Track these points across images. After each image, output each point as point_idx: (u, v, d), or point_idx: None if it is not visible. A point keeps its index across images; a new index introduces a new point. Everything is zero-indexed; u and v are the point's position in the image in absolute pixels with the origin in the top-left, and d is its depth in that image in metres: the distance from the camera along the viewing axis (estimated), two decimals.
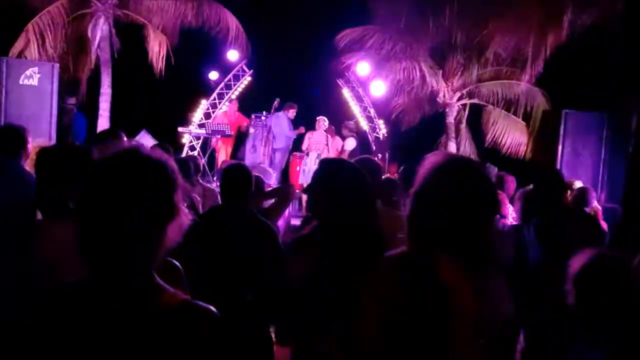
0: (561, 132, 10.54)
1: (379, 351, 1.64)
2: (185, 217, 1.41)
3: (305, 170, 11.27)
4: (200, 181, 6.12)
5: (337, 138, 12.07)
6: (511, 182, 6.72)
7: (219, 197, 5.72)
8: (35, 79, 8.29)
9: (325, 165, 2.76)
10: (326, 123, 11.84)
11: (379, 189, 3.65)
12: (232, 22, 12.43)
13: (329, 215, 2.57)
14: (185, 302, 1.38)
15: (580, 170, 10.11)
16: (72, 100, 9.40)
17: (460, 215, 1.66)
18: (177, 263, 2.01)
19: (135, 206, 1.31)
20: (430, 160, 1.75)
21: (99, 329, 1.30)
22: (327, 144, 11.56)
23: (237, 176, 3.59)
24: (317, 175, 2.68)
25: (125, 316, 1.31)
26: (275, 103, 11.91)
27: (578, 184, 6.91)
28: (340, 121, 12.69)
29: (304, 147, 11.82)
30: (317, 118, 11.81)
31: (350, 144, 12.05)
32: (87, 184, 1.34)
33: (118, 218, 1.30)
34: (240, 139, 12.95)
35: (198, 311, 1.39)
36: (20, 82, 8.18)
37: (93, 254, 1.32)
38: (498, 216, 5.08)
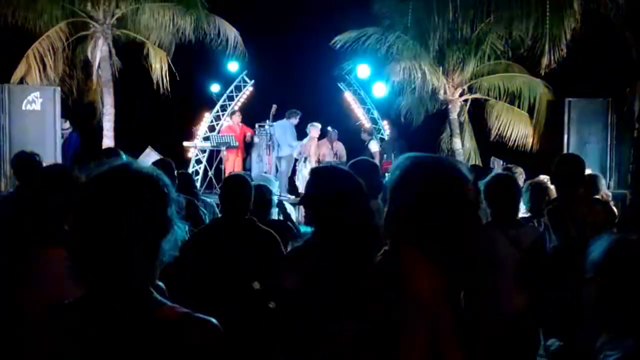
0: (566, 120, 10.51)
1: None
2: (181, 230, 1.41)
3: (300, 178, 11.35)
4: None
5: (322, 142, 12.04)
6: (519, 175, 6.69)
7: (217, 209, 5.77)
8: (38, 103, 8.38)
9: (316, 174, 2.75)
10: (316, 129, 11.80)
11: (378, 188, 3.65)
12: (231, 34, 12.47)
13: (325, 224, 2.56)
14: (186, 314, 1.38)
15: (588, 158, 9.98)
16: (65, 125, 9.42)
17: (425, 214, 1.66)
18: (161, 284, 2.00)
19: (128, 222, 1.30)
20: (401, 162, 1.77)
21: (98, 347, 1.30)
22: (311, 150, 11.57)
23: (235, 187, 3.64)
24: (309, 185, 2.68)
25: (124, 333, 1.31)
26: (273, 110, 11.98)
27: (587, 172, 6.86)
28: (344, 125, 12.72)
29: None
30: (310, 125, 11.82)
31: (374, 146, 12.19)
32: (78, 203, 1.34)
33: (110, 235, 1.29)
34: (247, 149, 13.00)
35: (199, 323, 1.38)
36: (23, 108, 8.27)
37: (88, 272, 1.32)
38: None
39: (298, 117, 11.92)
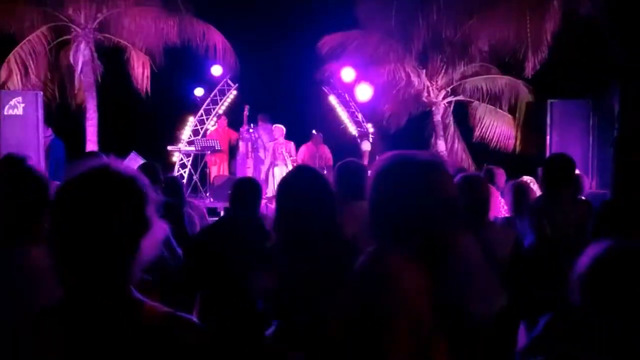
0: (548, 122, 10.61)
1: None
2: (160, 229, 1.41)
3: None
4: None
5: (307, 146, 12.08)
6: (501, 175, 6.75)
7: (205, 213, 5.80)
8: (20, 108, 8.31)
9: (284, 178, 2.78)
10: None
11: (363, 190, 3.68)
12: (218, 38, 12.45)
13: (292, 227, 2.58)
14: (167, 314, 1.39)
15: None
16: (47, 133, 9.30)
17: (408, 211, 1.67)
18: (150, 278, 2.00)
19: (106, 221, 1.31)
20: (379, 162, 1.79)
21: (79, 350, 1.30)
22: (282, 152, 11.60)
23: (246, 188, 3.77)
24: (277, 189, 2.72)
25: (108, 333, 1.31)
26: (245, 111, 12.00)
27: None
28: (330, 129, 12.76)
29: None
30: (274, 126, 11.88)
31: (366, 146, 12.27)
32: (57, 202, 1.34)
33: (90, 234, 1.30)
34: (231, 153, 12.99)
35: (180, 322, 1.39)
36: (5, 113, 8.19)
37: (67, 272, 1.32)
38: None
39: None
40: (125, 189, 1.36)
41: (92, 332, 1.31)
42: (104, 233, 1.31)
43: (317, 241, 2.51)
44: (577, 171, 6.63)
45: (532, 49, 10.79)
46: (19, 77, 10.71)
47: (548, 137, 10.58)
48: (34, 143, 8.15)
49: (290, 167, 10.95)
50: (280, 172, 10.80)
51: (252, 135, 12.13)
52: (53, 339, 1.32)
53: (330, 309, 1.76)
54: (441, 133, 12.99)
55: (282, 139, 11.59)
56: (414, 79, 12.08)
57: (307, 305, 2.37)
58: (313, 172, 2.76)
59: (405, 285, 1.60)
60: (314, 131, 12.13)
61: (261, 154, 12.16)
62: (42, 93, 9.04)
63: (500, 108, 12.76)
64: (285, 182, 2.69)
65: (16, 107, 8.24)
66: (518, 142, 12.56)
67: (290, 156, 11.43)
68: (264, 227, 3.65)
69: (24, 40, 11.04)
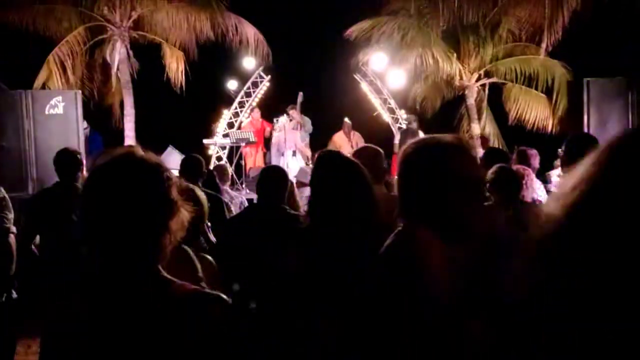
0: (585, 101, 10.39)
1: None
2: (187, 212, 1.49)
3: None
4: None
5: (339, 134, 12.09)
6: (534, 157, 6.66)
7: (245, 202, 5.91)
8: (60, 107, 8.53)
9: (318, 163, 2.81)
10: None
11: (381, 173, 3.74)
12: (250, 30, 12.53)
13: (327, 211, 2.63)
14: (195, 290, 1.46)
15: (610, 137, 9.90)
16: (83, 125, 9.59)
17: (431, 192, 1.74)
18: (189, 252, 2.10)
19: (133, 203, 1.39)
20: (408, 146, 1.86)
21: (107, 322, 1.39)
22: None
23: (272, 175, 3.85)
24: (312, 173, 2.77)
25: (134, 307, 1.39)
26: (299, 98, 11.98)
27: None
28: (361, 116, 12.74)
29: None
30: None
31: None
32: (86, 188, 1.43)
33: (117, 215, 1.38)
34: (266, 144, 13.12)
35: (208, 298, 1.46)
36: (47, 112, 8.42)
37: (101, 253, 1.42)
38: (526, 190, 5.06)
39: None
40: (151, 172, 1.43)
41: (121, 306, 1.39)
42: (131, 214, 1.39)
43: (352, 225, 2.56)
44: None
45: (548, 26, 10.63)
46: (58, 77, 11.01)
47: (585, 117, 10.36)
48: (74, 141, 8.36)
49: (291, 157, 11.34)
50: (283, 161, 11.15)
51: (281, 125, 12.21)
52: (83, 311, 1.40)
53: (360, 288, 1.83)
54: (475, 116, 12.84)
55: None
56: (442, 63, 11.94)
57: (338, 286, 2.43)
58: (345, 157, 2.82)
59: (432, 262, 1.66)
60: (345, 119, 12.17)
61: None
62: (80, 92, 9.27)
63: (535, 89, 12.53)
64: (321, 167, 2.75)
65: (57, 106, 8.45)
66: (555, 123, 12.34)
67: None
68: (289, 212, 3.72)
69: (62, 41, 11.34)
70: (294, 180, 7.96)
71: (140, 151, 1.47)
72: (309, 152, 11.92)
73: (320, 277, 2.49)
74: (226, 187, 7.21)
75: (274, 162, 12.46)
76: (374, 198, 2.60)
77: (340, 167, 2.67)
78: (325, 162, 2.75)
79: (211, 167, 13.29)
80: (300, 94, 11.97)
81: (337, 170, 2.65)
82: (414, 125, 11.88)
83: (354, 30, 12.28)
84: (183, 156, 9.08)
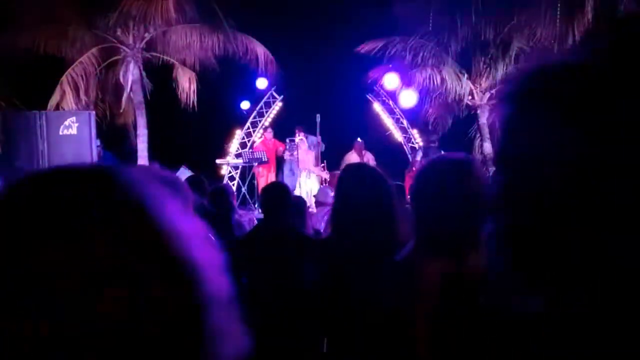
0: None
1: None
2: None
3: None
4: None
5: (351, 153, 12.17)
6: None
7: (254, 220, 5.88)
8: (74, 128, 8.61)
9: (343, 175, 2.83)
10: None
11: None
12: (260, 50, 12.62)
13: (350, 225, 2.62)
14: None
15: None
16: (96, 143, 9.66)
17: (429, 209, 1.79)
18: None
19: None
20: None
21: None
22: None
23: (272, 192, 3.81)
24: (336, 186, 2.76)
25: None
26: (317, 119, 12.14)
27: None
28: (374, 136, 12.75)
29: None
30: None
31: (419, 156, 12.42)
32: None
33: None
34: (279, 164, 13.14)
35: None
36: (61, 133, 8.50)
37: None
38: None
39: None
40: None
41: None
42: None
43: (373, 238, 2.54)
44: None
45: (559, 45, 10.64)
46: (71, 98, 11.11)
47: None
48: (88, 160, 8.41)
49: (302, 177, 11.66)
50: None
51: (294, 145, 12.27)
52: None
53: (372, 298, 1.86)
54: (487, 135, 12.78)
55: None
56: (452, 83, 11.95)
57: (356, 295, 2.42)
58: (373, 170, 2.82)
59: (430, 279, 1.70)
60: (358, 139, 12.19)
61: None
62: (94, 112, 9.35)
63: None
64: (346, 179, 2.76)
65: (71, 127, 8.54)
66: None
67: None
68: (294, 230, 3.69)
69: (76, 62, 11.45)
70: (313, 200, 7.97)
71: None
72: (325, 175, 11.96)
73: (341, 289, 2.49)
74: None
75: (286, 182, 12.48)
76: (398, 211, 2.59)
77: (368, 178, 2.68)
78: (353, 172, 2.78)
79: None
80: (318, 115, 12.07)
81: (364, 181, 2.66)
82: (437, 144, 12.02)
83: (365, 50, 12.33)
84: None
